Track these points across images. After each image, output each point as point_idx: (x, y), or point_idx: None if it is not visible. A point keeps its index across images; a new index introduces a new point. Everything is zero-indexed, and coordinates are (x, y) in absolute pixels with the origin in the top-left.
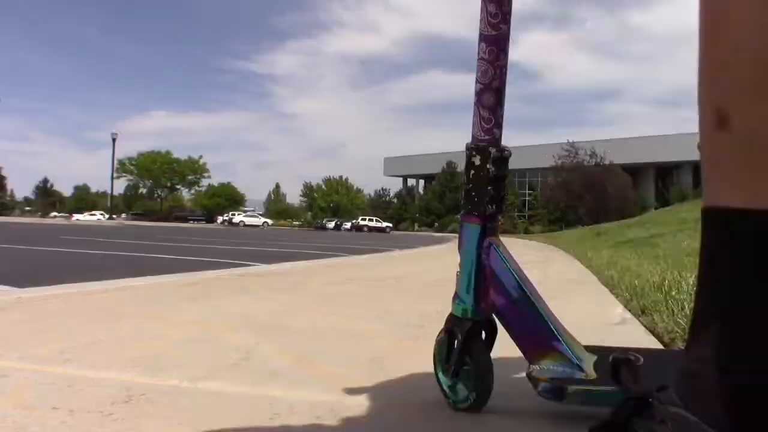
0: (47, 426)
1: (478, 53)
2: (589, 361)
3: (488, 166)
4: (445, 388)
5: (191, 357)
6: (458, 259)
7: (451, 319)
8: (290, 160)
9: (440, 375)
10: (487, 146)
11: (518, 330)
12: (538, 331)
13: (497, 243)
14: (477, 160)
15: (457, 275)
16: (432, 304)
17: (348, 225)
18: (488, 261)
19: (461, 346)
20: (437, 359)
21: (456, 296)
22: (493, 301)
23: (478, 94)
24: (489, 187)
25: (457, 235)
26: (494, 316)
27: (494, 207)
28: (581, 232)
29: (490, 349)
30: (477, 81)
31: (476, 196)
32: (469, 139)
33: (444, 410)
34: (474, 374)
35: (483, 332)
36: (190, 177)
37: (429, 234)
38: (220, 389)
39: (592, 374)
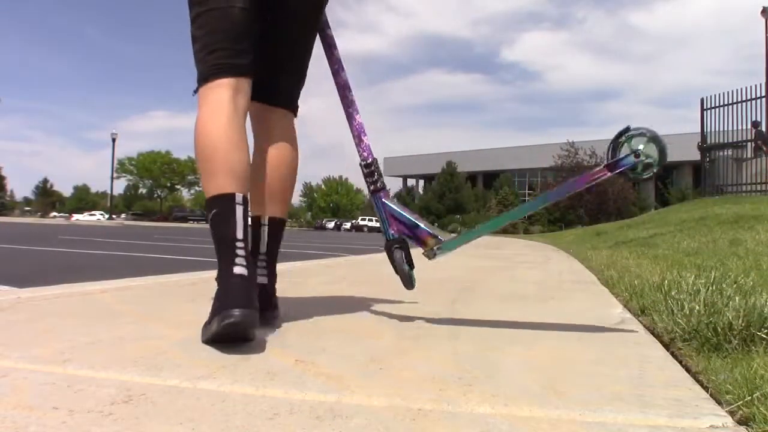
0: (47, 426)
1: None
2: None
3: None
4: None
5: (191, 357)
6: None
7: (388, 242)
8: None
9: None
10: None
11: (412, 235)
12: (412, 232)
13: (390, 200)
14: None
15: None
16: (432, 304)
17: (348, 225)
18: (389, 209)
19: (394, 251)
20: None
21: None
22: (396, 226)
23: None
24: (377, 180)
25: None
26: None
27: (382, 186)
28: (581, 232)
29: (407, 250)
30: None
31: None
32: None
33: (443, 409)
34: (407, 262)
35: (401, 243)
36: (190, 177)
37: None
38: (220, 389)
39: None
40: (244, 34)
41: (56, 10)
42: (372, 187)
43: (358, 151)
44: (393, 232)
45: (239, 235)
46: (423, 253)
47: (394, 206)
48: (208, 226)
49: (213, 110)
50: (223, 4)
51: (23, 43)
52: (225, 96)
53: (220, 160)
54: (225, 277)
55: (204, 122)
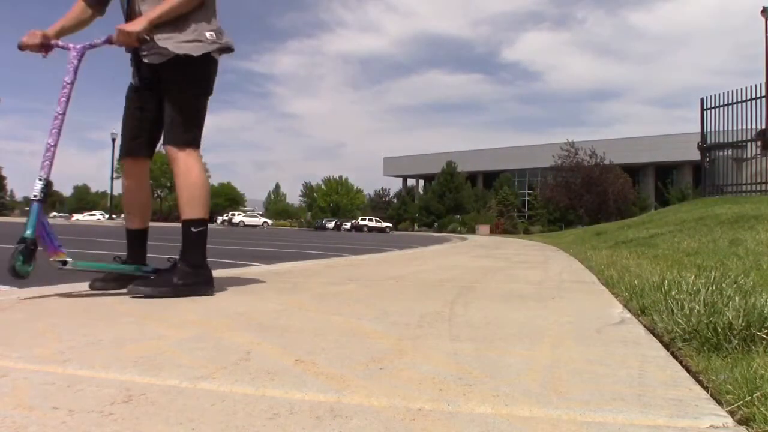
0: (47, 426)
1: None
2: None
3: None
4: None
5: (191, 357)
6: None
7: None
8: (290, 160)
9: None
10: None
11: (47, 243)
12: (51, 244)
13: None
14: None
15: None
16: (432, 304)
17: (348, 225)
18: (42, 218)
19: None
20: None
21: (24, 230)
22: (40, 231)
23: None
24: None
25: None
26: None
27: (44, 198)
28: (581, 232)
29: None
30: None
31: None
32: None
33: (443, 409)
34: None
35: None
36: None
37: (429, 234)
38: (220, 389)
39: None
40: None
41: (56, 10)
42: (40, 197)
43: (46, 170)
44: (32, 232)
45: None
46: (50, 261)
47: (46, 220)
48: (200, 230)
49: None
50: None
51: None
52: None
53: (207, 198)
54: (203, 263)
55: (202, 173)
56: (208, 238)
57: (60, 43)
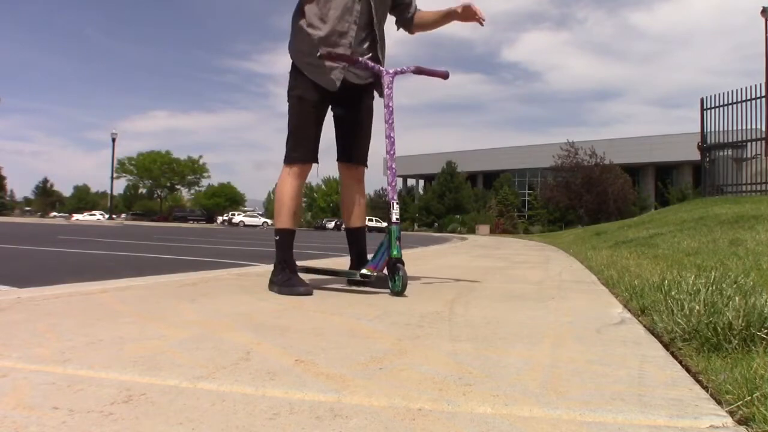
0: (47, 426)
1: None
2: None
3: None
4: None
5: (191, 357)
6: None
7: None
8: None
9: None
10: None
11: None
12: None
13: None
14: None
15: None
16: (432, 304)
17: None
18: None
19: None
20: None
21: (391, 251)
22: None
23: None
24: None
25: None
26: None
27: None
28: (581, 232)
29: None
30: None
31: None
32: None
33: (443, 409)
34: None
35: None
36: (189, 177)
37: (429, 234)
38: (220, 389)
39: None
40: None
41: (56, 10)
42: (398, 219)
43: (392, 194)
44: (398, 251)
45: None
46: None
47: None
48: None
49: None
50: None
51: (23, 43)
52: None
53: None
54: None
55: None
56: (209, 239)
57: (370, 63)
